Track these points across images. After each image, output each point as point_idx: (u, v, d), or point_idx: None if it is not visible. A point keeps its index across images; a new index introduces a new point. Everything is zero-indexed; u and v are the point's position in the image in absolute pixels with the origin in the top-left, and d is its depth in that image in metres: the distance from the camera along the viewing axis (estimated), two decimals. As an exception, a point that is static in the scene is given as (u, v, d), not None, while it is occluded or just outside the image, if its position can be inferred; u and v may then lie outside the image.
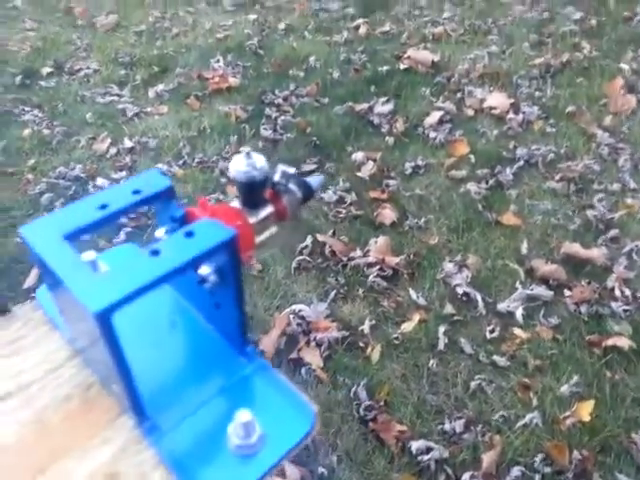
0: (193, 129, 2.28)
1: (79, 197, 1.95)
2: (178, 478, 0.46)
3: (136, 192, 0.51)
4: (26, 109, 2.44)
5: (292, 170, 0.58)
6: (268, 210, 0.57)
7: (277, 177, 0.57)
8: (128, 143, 2.20)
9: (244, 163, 0.53)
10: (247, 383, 0.54)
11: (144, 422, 0.49)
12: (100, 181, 2.00)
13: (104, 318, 0.40)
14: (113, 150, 2.18)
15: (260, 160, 0.54)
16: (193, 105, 2.43)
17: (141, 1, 3.34)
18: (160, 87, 2.56)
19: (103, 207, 0.49)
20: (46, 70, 2.70)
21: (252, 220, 0.55)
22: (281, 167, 0.57)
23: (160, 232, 0.52)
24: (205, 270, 0.49)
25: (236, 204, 0.56)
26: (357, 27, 2.96)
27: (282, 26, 3.01)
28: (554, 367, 1.44)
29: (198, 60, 2.75)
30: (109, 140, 2.23)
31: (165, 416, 0.50)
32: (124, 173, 2.05)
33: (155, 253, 0.44)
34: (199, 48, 2.86)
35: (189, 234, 0.46)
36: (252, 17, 3.12)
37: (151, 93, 2.53)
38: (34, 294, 0.60)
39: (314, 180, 0.61)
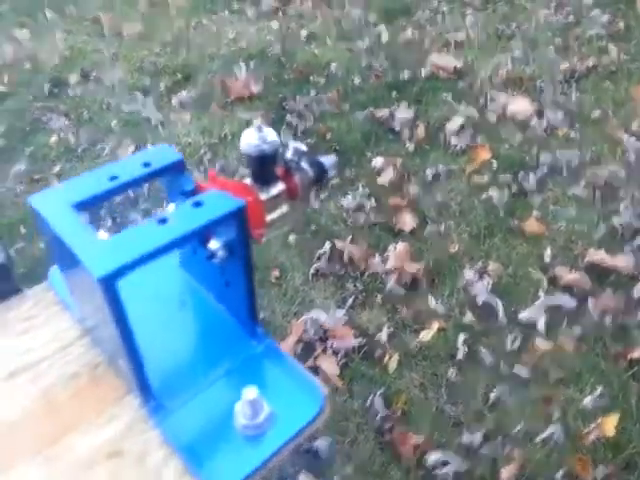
0: (215, 136, 2.30)
1: (102, 207, 1.99)
2: (182, 459, 0.46)
3: (146, 165, 0.50)
4: (53, 117, 2.50)
5: (304, 147, 0.56)
6: (279, 187, 0.55)
7: (289, 154, 0.56)
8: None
9: (255, 136, 0.52)
10: (255, 363, 0.53)
11: (150, 401, 0.48)
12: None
13: (108, 284, 0.40)
14: (131, 148, 2.22)
15: (271, 134, 0.52)
16: (215, 112, 2.45)
17: (166, 11, 3.39)
18: (183, 95, 2.59)
19: (113, 178, 0.49)
20: (74, 79, 2.75)
21: (263, 197, 0.54)
22: (293, 144, 0.56)
23: (171, 207, 0.51)
24: (214, 245, 0.48)
25: (247, 181, 0.55)
26: (379, 34, 2.95)
27: (304, 33, 3.01)
28: (577, 379, 1.40)
29: (221, 68, 2.78)
30: (132, 147, 2.26)
31: (172, 396, 0.49)
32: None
33: (163, 221, 0.44)
34: (222, 56, 2.88)
35: (197, 204, 0.46)
36: (275, 25, 3.13)
37: (174, 101, 2.56)
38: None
39: (327, 160, 0.60)
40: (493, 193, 1.92)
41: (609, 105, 2.29)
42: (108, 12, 3.38)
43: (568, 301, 1.57)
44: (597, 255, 1.68)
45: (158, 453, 0.46)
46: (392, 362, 1.46)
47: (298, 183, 0.56)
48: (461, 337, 1.50)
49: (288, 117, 2.34)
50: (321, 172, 0.58)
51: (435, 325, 1.53)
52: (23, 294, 0.60)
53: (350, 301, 1.61)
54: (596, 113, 2.26)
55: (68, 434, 0.47)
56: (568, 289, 1.61)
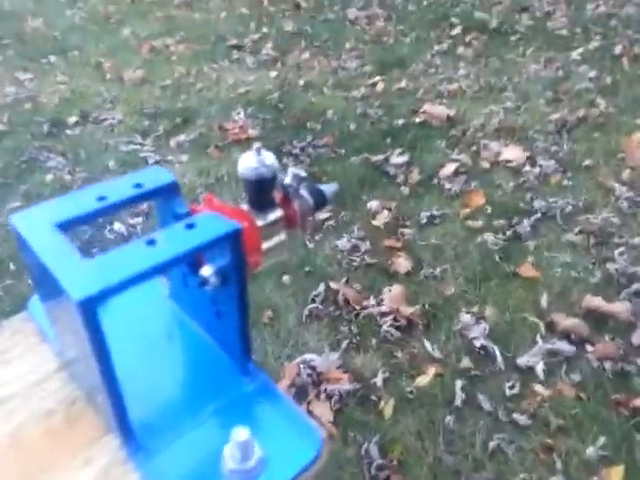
0: (211, 177, 2.31)
1: (95, 241, 1.97)
2: None
3: (138, 185, 0.48)
4: (51, 156, 2.51)
5: (303, 173, 0.54)
6: (277, 214, 0.53)
7: (288, 180, 0.54)
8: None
9: (253, 159, 0.50)
10: (247, 402, 0.49)
11: (130, 442, 0.44)
12: (117, 226, 2.01)
13: (88, 308, 0.37)
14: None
15: (270, 157, 0.51)
16: (213, 154, 2.48)
17: (168, 59, 3.48)
18: (182, 137, 2.62)
19: (101, 199, 0.46)
20: (72, 119, 2.79)
21: (260, 223, 0.52)
22: (292, 169, 0.54)
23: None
24: (207, 271, 0.46)
25: (244, 206, 0.53)
26: (374, 84, 3.03)
27: (302, 82, 3.09)
28: (578, 427, 1.36)
29: (220, 112, 2.83)
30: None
31: (154, 436, 0.46)
32: (140, 219, 2.07)
33: (151, 243, 0.41)
34: (221, 101, 2.94)
35: (190, 226, 0.44)
36: (273, 74, 3.21)
37: (173, 143, 2.59)
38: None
39: (328, 187, 0.58)
40: (488, 238, 1.92)
41: (600, 155, 2.34)
42: (110, 58, 3.47)
43: (566, 347, 1.55)
44: (594, 301, 1.66)
45: None
46: (388, 408, 1.42)
47: (297, 210, 0.54)
48: (459, 383, 1.46)
49: (285, 160, 2.36)
50: (321, 200, 0.56)
51: (432, 370, 1.50)
52: (0, 324, 0.57)
53: (344, 344, 1.57)
54: (587, 162, 2.30)
55: (39, 478, 0.43)
56: (566, 335, 1.58)
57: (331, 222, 2.02)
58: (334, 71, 3.22)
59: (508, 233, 1.95)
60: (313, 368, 1.49)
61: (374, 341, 1.58)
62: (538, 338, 1.57)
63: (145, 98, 3.00)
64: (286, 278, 1.78)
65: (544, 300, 1.70)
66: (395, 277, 1.79)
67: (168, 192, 0.49)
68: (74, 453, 0.45)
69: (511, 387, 1.45)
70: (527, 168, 2.27)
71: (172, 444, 0.45)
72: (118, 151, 2.54)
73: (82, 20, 4.17)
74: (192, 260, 0.49)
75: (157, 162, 2.43)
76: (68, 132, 2.70)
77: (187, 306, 0.56)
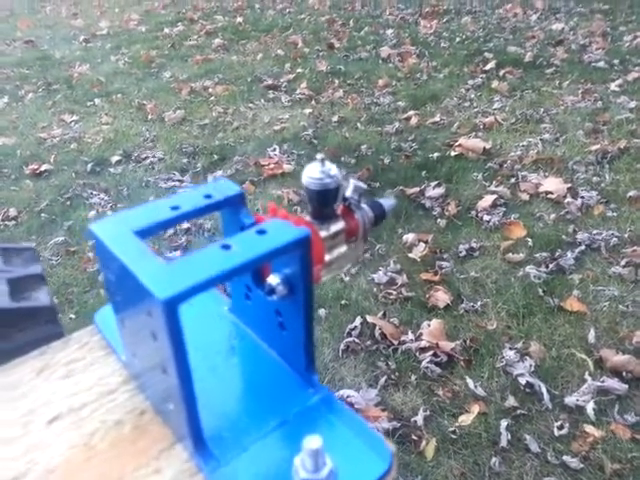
0: (247, 212, 2.33)
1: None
2: None
3: (207, 196, 0.50)
4: (94, 193, 2.59)
5: (364, 186, 0.54)
6: (339, 225, 0.53)
7: (349, 192, 0.54)
8: (185, 224, 2.26)
9: (318, 170, 0.50)
10: (313, 414, 0.48)
11: (201, 450, 0.44)
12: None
13: (170, 307, 0.38)
14: (170, 230, 2.24)
15: (334, 169, 0.51)
16: (248, 189, 2.51)
17: (206, 99, 3.58)
18: (218, 173, 2.67)
19: (175, 208, 0.48)
20: (115, 158, 2.88)
21: (323, 234, 0.52)
22: (354, 181, 0.54)
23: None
24: (274, 279, 0.46)
25: (307, 218, 0.53)
26: (408, 118, 3.04)
27: (335, 118, 3.13)
28: (636, 472, 1.27)
29: (256, 149, 2.88)
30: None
31: (223, 447, 0.45)
32: (178, 252, 2.09)
33: (226, 247, 0.43)
34: (257, 139, 3.00)
35: (261, 232, 0.45)
36: (307, 111, 3.27)
37: (210, 179, 2.64)
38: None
39: (386, 201, 0.58)
40: (530, 271, 1.86)
41: (645, 185, 2.27)
42: (152, 100, 3.60)
43: (617, 385, 1.46)
44: (646, 336, 1.58)
45: None
46: (429, 448, 1.36)
47: (359, 222, 0.54)
48: (504, 422, 1.39)
49: (320, 195, 2.37)
50: (381, 213, 0.56)
51: (475, 408, 1.43)
52: (67, 337, 0.58)
53: (383, 380, 1.53)
54: (631, 193, 2.23)
55: None
56: (616, 372, 1.50)
57: (367, 255, 2.00)
58: (367, 107, 3.26)
59: (551, 266, 1.89)
60: (351, 404, 1.45)
61: (413, 377, 1.53)
62: (587, 375, 1.50)
63: (184, 137, 3.08)
64: (322, 311, 1.76)
65: (592, 335, 1.62)
66: (434, 311, 1.74)
67: (235, 202, 0.51)
68: (143, 463, 0.45)
69: (560, 427, 1.38)
70: (568, 199, 2.21)
71: (240, 455, 0.45)
72: (158, 187, 2.60)
73: (126, 65, 4.36)
74: (256, 272, 0.51)
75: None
76: (111, 170, 2.79)
77: (249, 320, 0.57)
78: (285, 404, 0.49)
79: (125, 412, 0.50)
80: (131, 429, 0.48)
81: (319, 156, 0.51)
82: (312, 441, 0.40)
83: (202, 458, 0.44)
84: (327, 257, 0.52)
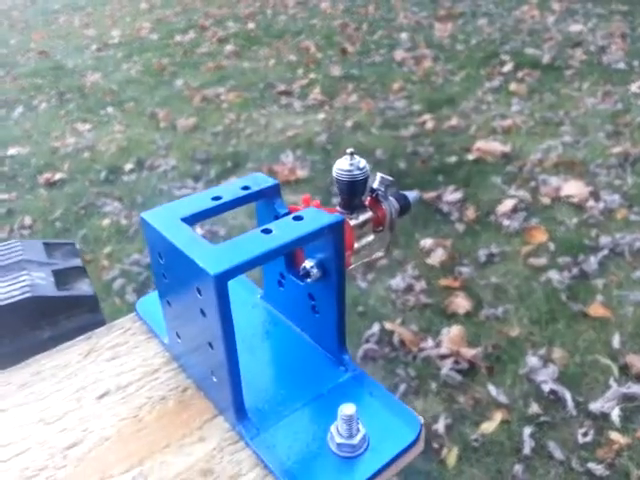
0: (261, 218, 2.31)
1: (150, 282, 1.98)
2: (277, 478, 0.45)
3: (245, 188, 0.54)
4: (108, 201, 2.58)
5: (390, 178, 0.58)
6: (367, 215, 0.57)
7: (376, 184, 0.58)
8: (199, 231, 2.25)
9: (347, 162, 0.54)
10: (346, 389, 0.52)
11: (242, 420, 0.49)
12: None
13: (221, 282, 0.42)
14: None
15: (362, 162, 0.54)
16: (262, 196, 2.49)
17: (219, 107, 3.58)
18: (232, 180, 2.65)
19: (216, 198, 0.53)
20: (128, 166, 2.88)
21: (352, 222, 0.56)
22: (380, 174, 0.58)
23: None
24: (309, 263, 0.50)
25: (337, 208, 0.57)
26: (423, 122, 3.01)
27: (349, 123, 3.11)
28: (666, 482, 1.22)
29: (269, 156, 2.86)
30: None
31: (262, 417, 0.50)
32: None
33: (267, 231, 0.46)
34: (270, 145, 2.98)
35: (297, 218, 0.48)
36: (321, 116, 3.25)
37: (223, 186, 2.62)
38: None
39: (410, 194, 0.61)
40: (553, 276, 1.82)
41: (669, 187, 2.21)
42: (164, 108, 3.61)
43: (645, 392, 1.41)
44: (674, 342, 1.53)
45: (251, 473, 0.46)
46: (451, 457, 1.32)
47: (386, 211, 0.57)
48: (527, 430, 1.35)
49: (334, 200, 2.34)
50: (406, 204, 0.60)
51: (498, 416, 1.39)
52: (111, 324, 0.63)
53: (402, 388, 1.49)
54: (655, 195, 2.17)
55: (159, 452, 0.48)
56: (644, 379, 1.45)
57: (383, 261, 1.97)
58: (382, 111, 3.23)
59: (574, 271, 1.84)
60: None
61: (434, 385, 1.49)
62: (612, 381, 1.45)
63: (197, 144, 3.07)
64: (339, 318, 1.73)
65: (616, 341, 1.57)
66: (454, 318, 1.70)
67: (271, 194, 0.55)
68: (189, 432, 0.50)
69: (584, 434, 1.34)
70: (590, 203, 2.16)
71: (278, 424, 0.49)
72: (172, 195, 2.59)
73: (138, 73, 4.39)
74: (290, 259, 0.56)
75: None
76: (124, 178, 2.79)
77: (282, 306, 0.61)
78: (319, 381, 0.53)
79: (169, 389, 0.54)
80: (175, 403, 0.53)
81: (349, 150, 0.54)
82: (347, 408, 0.45)
83: (243, 427, 0.48)
84: (356, 245, 0.56)
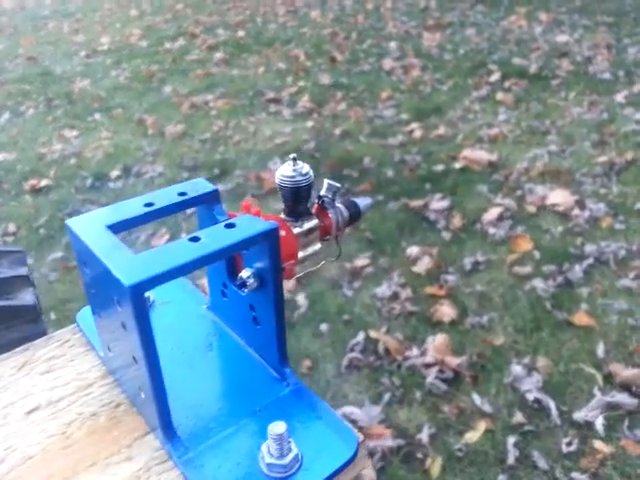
0: (248, 226, 2.30)
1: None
2: None
3: (182, 194, 0.52)
4: (93, 208, 2.55)
5: (338, 185, 0.56)
6: (313, 223, 0.55)
7: (323, 190, 0.56)
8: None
9: (290, 169, 0.52)
10: (284, 406, 0.51)
11: (170, 438, 0.47)
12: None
13: (137, 293, 0.40)
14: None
15: (306, 167, 0.53)
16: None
17: (207, 113, 3.57)
18: (219, 187, 2.64)
19: (148, 205, 0.51)
20: (115, 173, 2.86)
21: (296, 230, 0.54)
22: (327, 181, 0.56)
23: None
24: (245, 273, 0.49)
25: (281, 215, 0.55)
26: (411, 131, 3.02)
27: (338, 131, 3.11)
28: (649, 491, 1.22)
29: (257, 163, 2.86)
30: (167, 236, 2.28)
31: (194, 435, 0.48)
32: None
33: (195, 239, 0.45)
34: (258, 153, 2.98)
35: (230, 225, 0.47)
36: (310, 124, 3.25)
37: (210, 193, 2.61)
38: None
39: (362, 200, 0.59)
40: (537, 284, 1.82)
41: (653, 196, 2.23)
42: (153, 114, 3.59)
43: (627, 400, 1.42)
44: (657, 351, 1.53)
45: None
46: (435, 466, 1.31)
47: (332, 220, 0.55)
48: (511, 439, 1.35)
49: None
50: (355, 212, 0.58)
51: (481, 425, 1.39)
52: (49, 335, 0.61)
53: (387, 397, 1.48)
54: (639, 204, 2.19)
55: (84, 472, 0.46)
56: (626, 387, 1.46)
57: (369, 269, 1.96)
58: (370, 120, 3.24)
59: (559, 279, 1.84)
60: (354, 422, 1.40)
61: (418, 394, 1.49)
62: (596, 390, 1.45)
63: (185, 151, 3.06)
64: (324, 327, 1.72)
65: (600, 350, 1.58)
66: (439, 326, 1.70)
67: (209, 200, 0.53)
68: (117, 450, 0.48)
69: (568, 443, 1.33)
70: (576, 212, 2.18)
71: (209, 443, 0.47)
72: (158, 202, 2.57)
73: (126, 80, 4.37)
74: (232, 268, 0.53)
75: (194, 212, 2.44)
76: (110, 185, 2.77)
77: (226, 317, 0.59)
78: (257, 396, 0.51)
79: (101, 404, 0.52)
80: (106, 420, 0.51)
81: (291, 155, 0.53)
82: (277, 427, 0.43)
83: (172, 445, 0.46)
84: (301, 254, 0.54)
